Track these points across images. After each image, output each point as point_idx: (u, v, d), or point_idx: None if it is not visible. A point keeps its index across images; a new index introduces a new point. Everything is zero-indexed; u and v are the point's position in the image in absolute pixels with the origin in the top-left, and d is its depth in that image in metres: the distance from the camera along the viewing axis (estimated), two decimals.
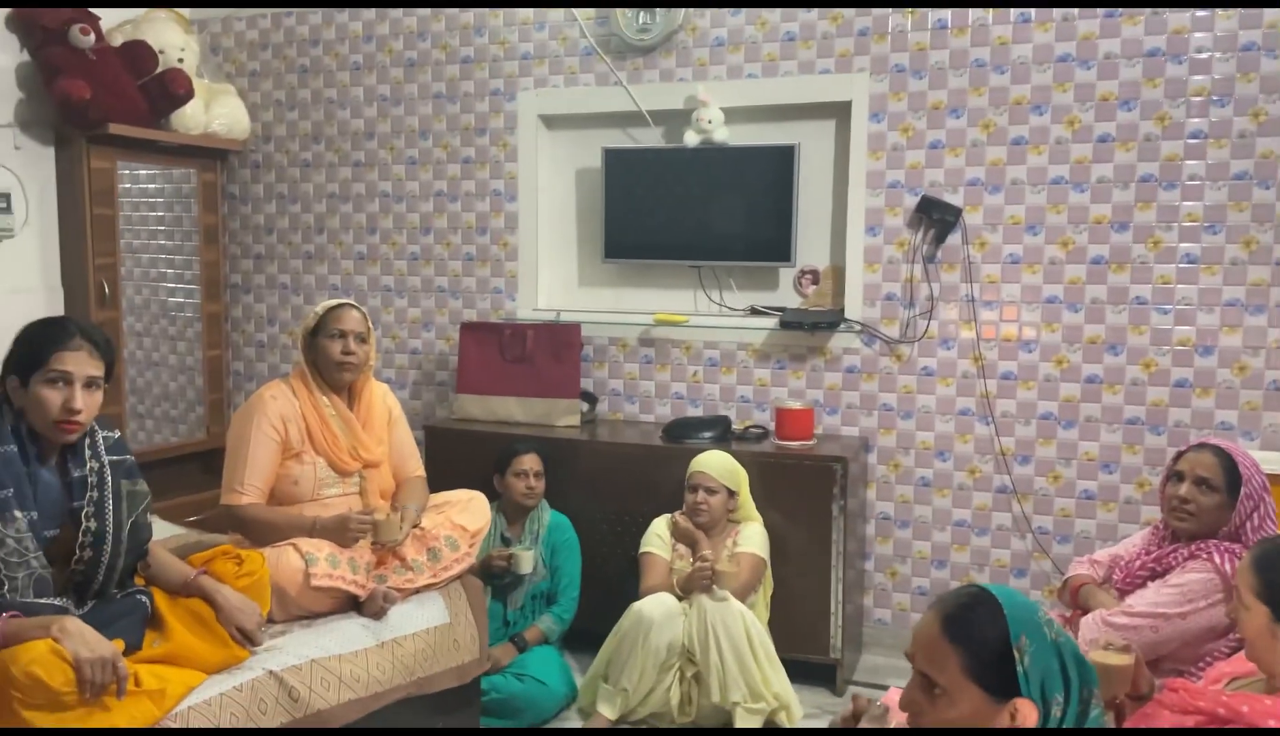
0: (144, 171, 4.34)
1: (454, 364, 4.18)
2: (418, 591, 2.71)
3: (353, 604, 2.59)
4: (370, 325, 2.86)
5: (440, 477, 3.45)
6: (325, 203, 4.42)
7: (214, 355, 4.48)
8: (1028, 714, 1.30)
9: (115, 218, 4.07)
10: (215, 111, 4.28)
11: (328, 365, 2.78)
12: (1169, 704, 1.69)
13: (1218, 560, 2.20)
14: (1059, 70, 3.37)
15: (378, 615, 2.57)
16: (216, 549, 2.44)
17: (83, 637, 1.89)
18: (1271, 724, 1.50)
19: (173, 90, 3.95)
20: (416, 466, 3.00)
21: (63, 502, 2.08)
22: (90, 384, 2.06)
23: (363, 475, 2.80)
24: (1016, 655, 1.32)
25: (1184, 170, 3.27)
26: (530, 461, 3.40)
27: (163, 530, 2.92)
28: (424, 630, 2.65)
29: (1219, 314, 3.27)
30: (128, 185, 4.31)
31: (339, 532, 2.59)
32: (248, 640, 2.25)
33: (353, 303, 2.86)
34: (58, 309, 3.99)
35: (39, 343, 2.04)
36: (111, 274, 4.05)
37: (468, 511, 2.89)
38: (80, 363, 2.04)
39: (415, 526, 2.75)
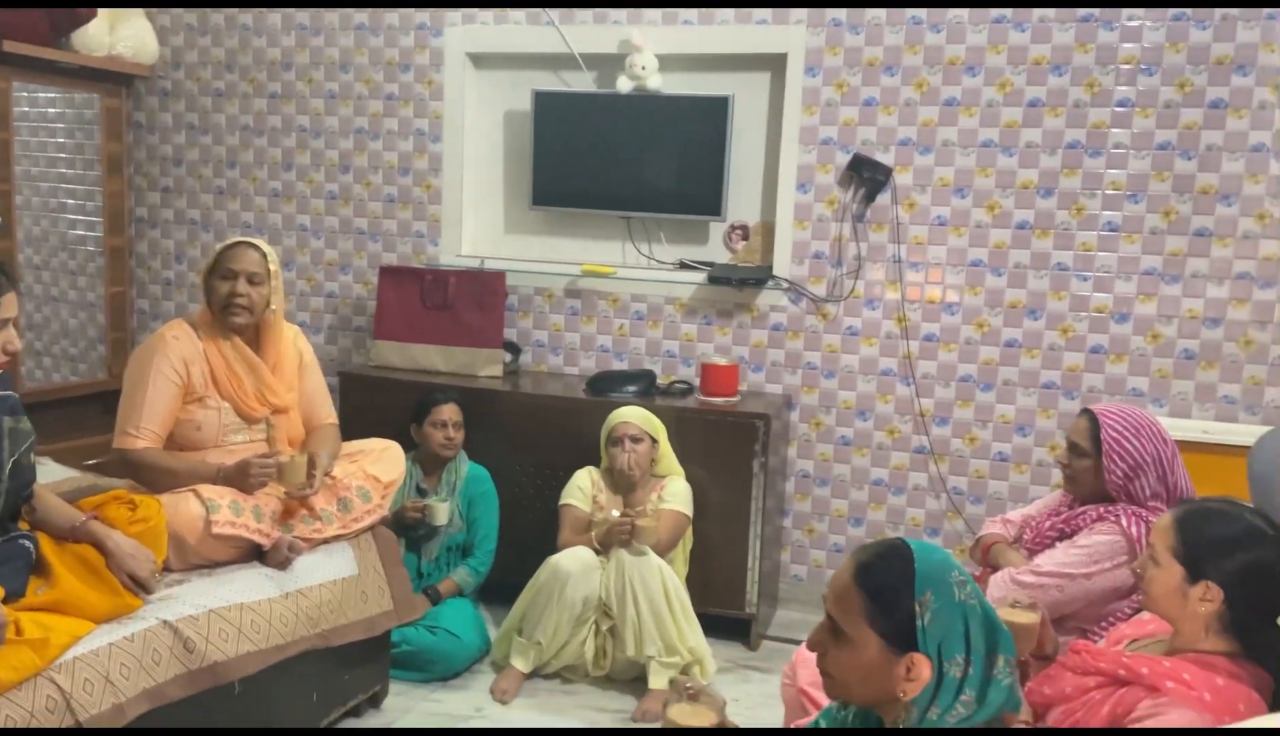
0: (43, 94, 4.09)
1: (372, 309, 4.05)
2: (326, 542, 2.62)
3: (256, 554, 2.50)
4: (273, 267, 2.66)
5: (355, 426, 3.35)
6: (238, 135, 4.21)
7: (117, 292, 4.27)
8: (922, 669, 1.31)
9: (10, 142, 3.83)
10: (121, 33, 4.04)
11: (219, 302, 2.63)
12: (1071, 665, 1.71)
13: (1125, 523, 2.25)
14: (993, 31, 3.35)
15: (282, 566, 2.48)
16: (109, 493, 2.32)
17: None
18: (1169, 685, 1.53)
19: (75, 8, 3.70)
20: (329, 414, 2.89)
21: None
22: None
23: (270, 422, 2.68)
24: (918, 610, 1.32)
25: (1110, 138, 3.30)
26: (449, 412, 3.32)
27: (57, 473, 2.78)
28: (330, 581, 2.57)
29: (1136, 282, 3.33)
30: (26, 108, 4.05)
31: (240, 478, 2.48)
32: (140, 588, 2.15)
33: (253, 241, 2.67)
34: None
35: None
36: (6, 202, 3.82)
37: (381, 461, 2.80)
38: (11, 304, 1.93)
39: (327, 475, 2.65)
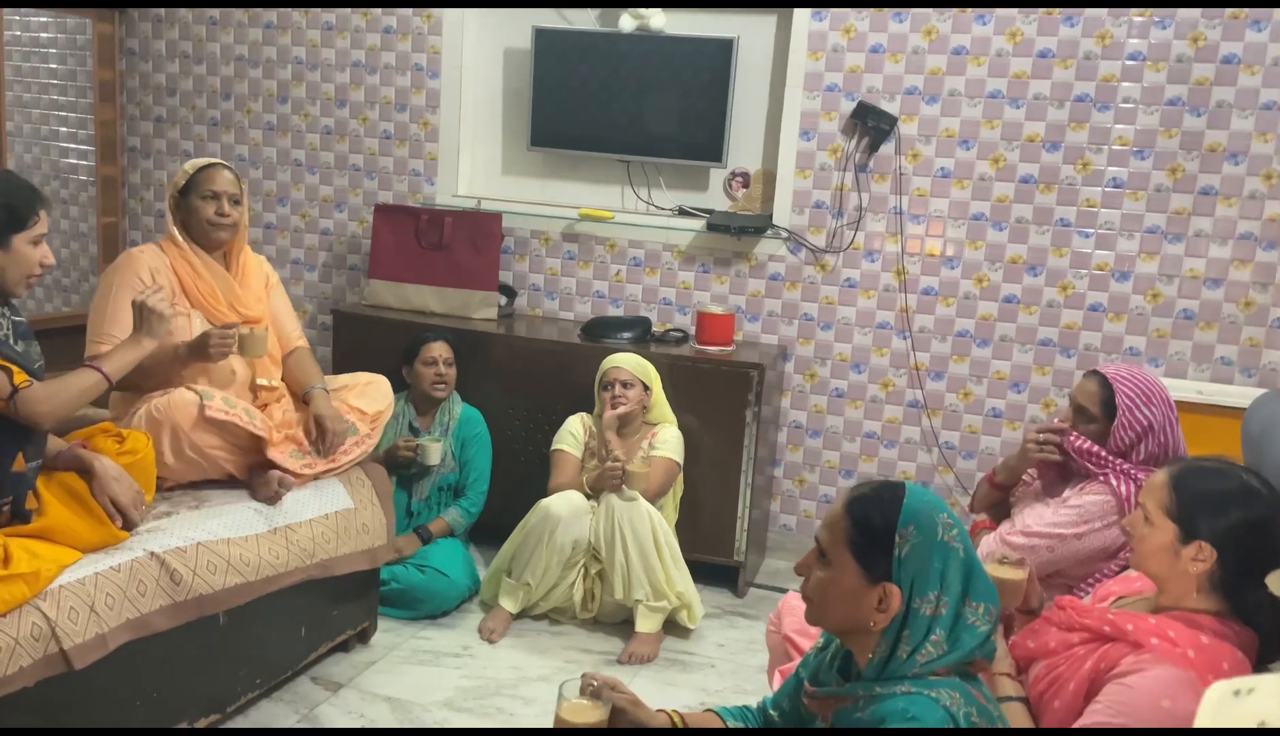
0: (35, 18, 4.00)
1: (366, 247, 4.00)
2: (316, 478, 2.62)
3: (245, 485, 2.50)
4: (243, 188, 2.68)
5: (348, 365, 3.33)
6: (233, 65, 4.13)
7: (109, 222, 4.22)
8: (892, 600, 1.34)
9: (1, 67, 3.75)
10: None
11: (200, 226, 2.61)
12: (1056, 621, 1.71)
13: (1114, 482, 2.24)
14: None
15: (271, 500, 2.48)
16: (96, 426, 2.31)
17: None
18: (1154, 642, 1.53)
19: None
20: (299, 337, 2.87)
21: None
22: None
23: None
24: (897, 540, 1.34)
25: (1119, 92, 3.24)
26: (440, 349, 3.30)
27: None
28: (322, 516, 2.57)
29: (1139, 240, 3.29)
30: (17, 32, 3.97)
31: (200, 350, 2.47)
32: (124, 518, 2.14)
33: (223, 163, 2.67)
34: None
35: (20, 202, 2.06)
36: None
37: (366, 394, 2.80)
38: (46, 220, 2.12)
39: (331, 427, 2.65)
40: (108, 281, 2.58)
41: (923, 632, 1.33)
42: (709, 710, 1.63)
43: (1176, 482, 1.63)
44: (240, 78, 4.13)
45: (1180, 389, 3.06)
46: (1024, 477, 2.47)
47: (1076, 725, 1.55)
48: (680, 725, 1.55)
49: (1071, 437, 2.30)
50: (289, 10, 4.00)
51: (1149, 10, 3.16)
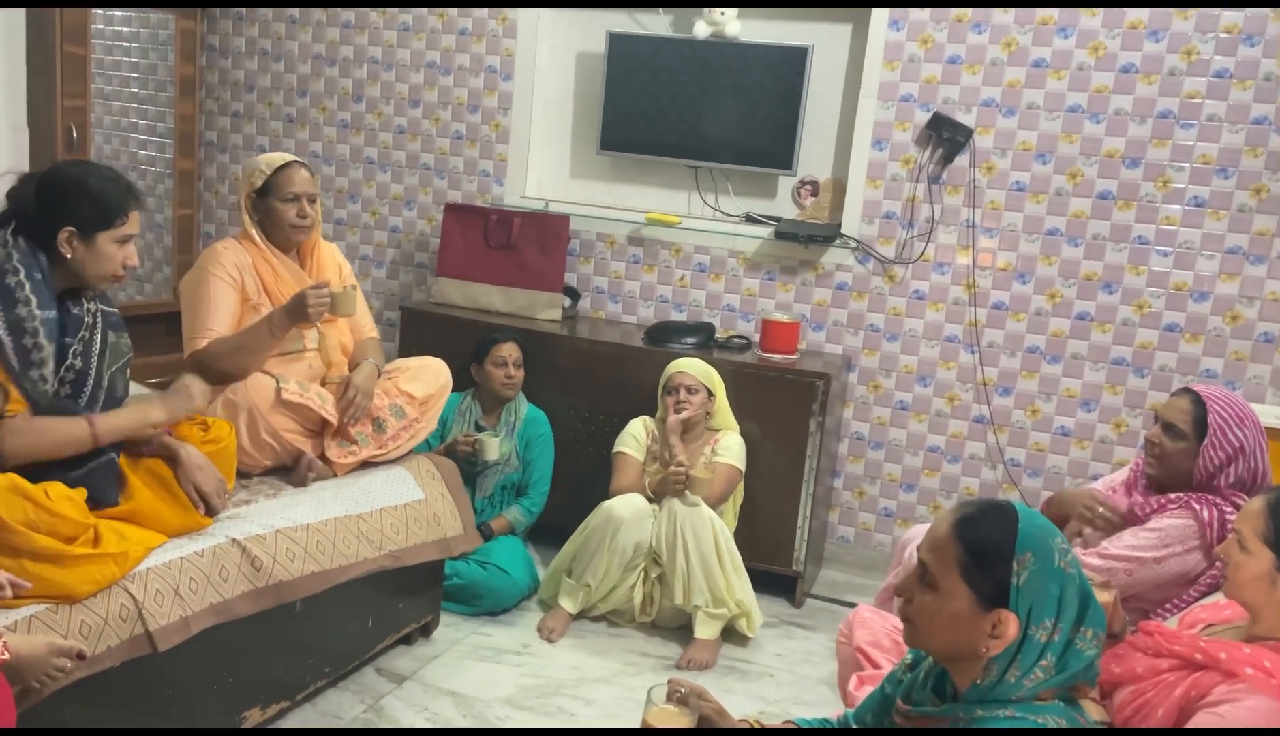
0: (119, 12, 4.11)
1: (435, 246, 4.05)
2: (364, 465, 2.67)
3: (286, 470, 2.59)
4: (317, 183, 2.75)
5: None
6: (310, 64, 4.21)
7: (184, 214, 4.32)
8: (1009, 627, 1.30)
9: (87, 58, 3.85)
10: None
11: (279, 227, 2.66)
12: (1142, 645, 1.69)
13: (1197, 507, 2.20)
14: None
15: (301, 483, 2.53)
16: None
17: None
18: (1248, 671, 1.50)
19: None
20: (371, 327, 2.92)
21: (56, 336, 2.01)
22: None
23: (321, 330, 2.71)
24: (1015, 567, 1.30)
25: (1203, 110, 3.18)
26: (510, 350, 3.32)
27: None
28: (394, 506, 2.61)
29: (1219, 260, 3.23)
30: (101, 26, 4.08)
31: (299, 311, 2.53)
32: (206, 505, 2.19)
33: (299, 159, 2.71)
34: (21, 151, 3.80)
35: (110, 200, 2.04)
36: (80, 118, 3.85)
37: (419, 378, 2.81)
38: (138, 222, 2.10)
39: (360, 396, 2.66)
40: (195, 281, 2.62)
41: (1034, 658, 1.30)
42: (788, 721, 1.63)
43: (1275, 510, 1.60)
44: (317, 76, 4.20)
45: (1260, 414, 2.99)
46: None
47: None
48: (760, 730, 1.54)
49: (1136, 509, 2.27)
50: (367, 10, 4.07)
51: (1236, 27, 3.10)
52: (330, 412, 2.57)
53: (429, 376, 2.84)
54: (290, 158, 2.70)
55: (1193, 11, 3.14)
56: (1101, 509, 2.30)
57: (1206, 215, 3.22)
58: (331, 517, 2.43)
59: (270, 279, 2.65)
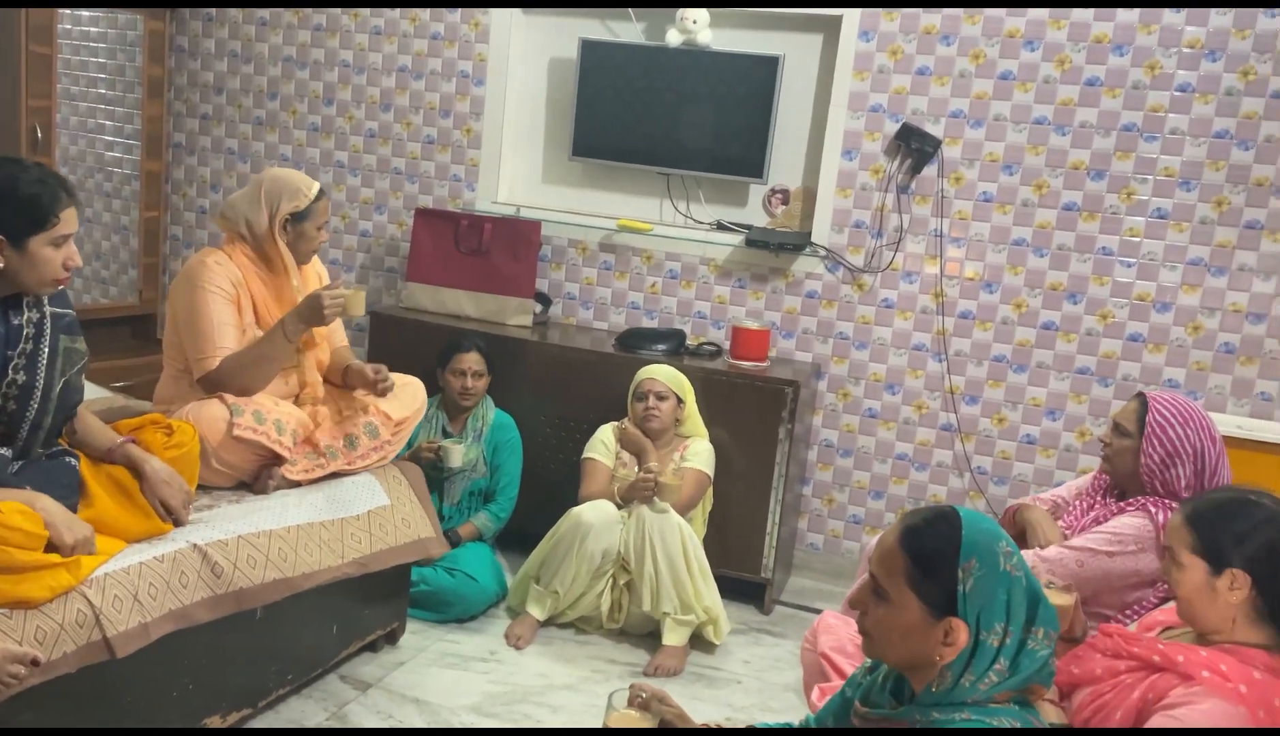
0: (86, 13, 4.06)
1: (405, 251, 4.03)
2: (328, 477, 2.62)
3: (246, 483, 2.53)
4: None
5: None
6: (280, 66, 4.18)
7: (151, 216, 4.27)
8: (960, 635, 1.31)
9: (53, 58, 3.81)
10: None
11: (305, 251, 2.66)
12: (1101, 647, 1.70)
13: (1153, 510, 2.23)
14: (1056, 7, 3.28)
15: (263, 492, 2.49)
16: (146, 417, 2.32)
17: (65, 519, 1.91)
18: (1204, 674, 1.52)
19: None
20: (343, 337, 2.90)
21: None
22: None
23: (301, 349, 2.68)
24: (961, 575, 1.31)
25: (1166, 123, 3.23)
26: (470, 361, 3.30)
27: (89, 392, 2.77)
28: (359, 514, 2.58)
29: (1181, 272, 3.28)
30: (68, 26, 4.03)
31: (313, 313, 2.52)
32: (171, 516, 2.16)
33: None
34: None
35: (40, 202, 1.92)
36: (45, 118, 3.81)
37: (397, 398, 2.77)
38: (74, 219, 1.98)
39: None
40: (190, 297, 2.53)
41: (988, 663, 1.31)
42: (751, 726, 1.63)
43: (1192, 518, 1.63)
44: (287, 78, 4.17)
45: (1220, 423, 3.02)
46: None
47: None
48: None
49: (1098, 514, 2.31)
50: (338, 13, 4.05)
51: (1199, 42, 3.16)
52: (285, 445, 2.49)
53: (408, 397, 2.82)
54: (318, 184, 2.67)
55: (1156, 26, 3.19)
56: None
57: (1169, 227, 3.27)
58: (295, 525, 2.40)
59: (260, 294, 2.61)
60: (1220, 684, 1.50)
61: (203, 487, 2.43)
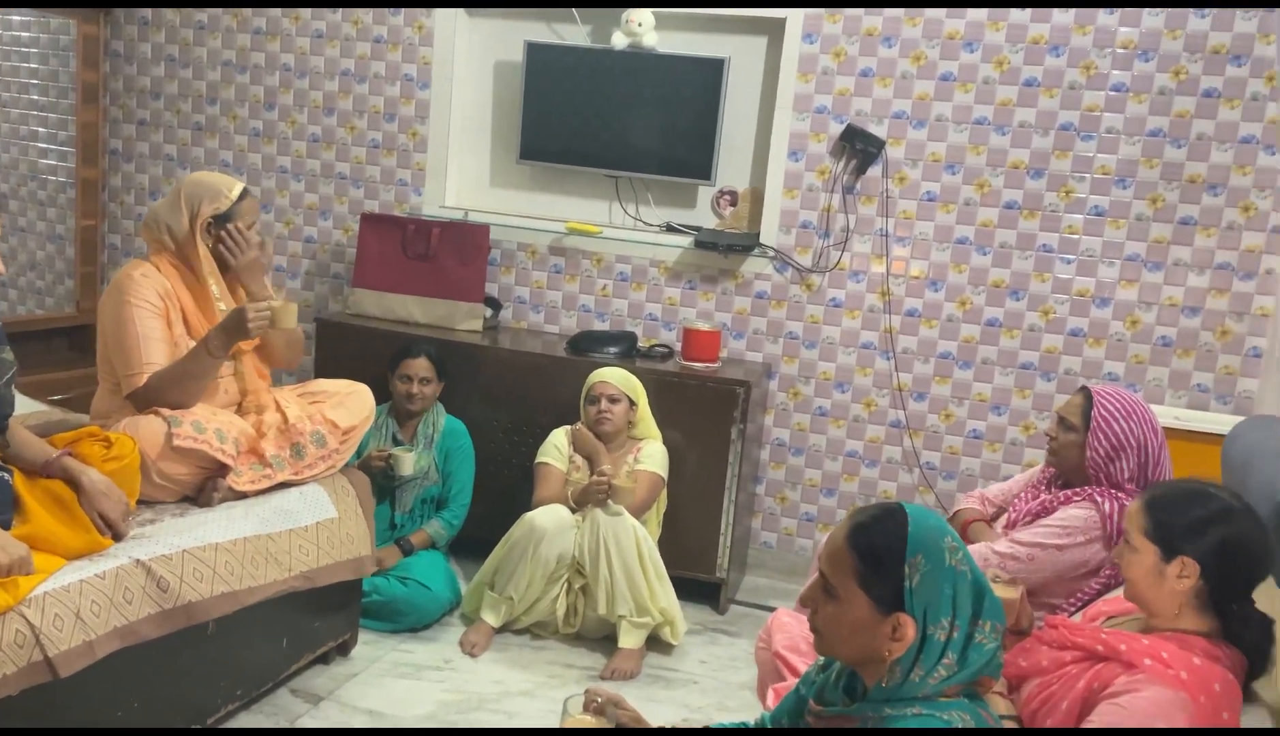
0: (17, 17, 3.95)
1: (351, 256, 3.98)
2: (276, 488, 2.57)
3: (194, 494, 2.47)
4: None
5: (330, 374, 3.29)
6: (220, 70, 4.10)
7: (88, 225, 4.17)
8: (907, 630, 1.33)
9: None
10: None
11: (242, 256, 2.56)
12: (1047, 639, 1.73)
13: (1099, 500, 2.28)
14: (994, 8, 3.33)
15: (207, 505, 2.43)
16: (83, 430, 2.27)
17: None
18: (1147, 662, 1.55)
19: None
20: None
21: None
22: None
23: (236, 358, 2.63)
24: (907, 571, 1.33)
25: (1102, 122, 3.30)
26: (418, 367, 3.27)
27: (25, 406, 2.71)
28: (305, 526, 2.54)
29: (1119, 268, 3.35)
30: None
31: (238, 328, 2.44)
32: (111, 530, 2.11)
33: (246, 186, 2.63)
34: None
35: None
36: None
37: (345, 405, 2.72)
38: None
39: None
40: (118, 307, 2.46)
41: (936, 657, 1.33)
42: (706, 727, 1.63)
43: (1151, 505, 1.67)
44: (227, 83, 4.10)
45: (1158, 415, 3.10)
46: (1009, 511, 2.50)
47: None
48: None
49: (1045, 505, 2.35)
50: (278, 16, 3.99)
51: (1132, 43, 3.23)
52: (227, 452, 2.44)
53: (355, 404, 2.76)
54: (240, 184, 2.60)
55: (1091, 27, 3.26)
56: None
57: (1106, 224, 3.34)
58: (241, 537, 2.36)
59: (190, 305, 2.55)
60: (1162, 671, 1.53)
61: (145, 502, 2.37)
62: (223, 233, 2.53)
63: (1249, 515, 1.64)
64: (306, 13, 3.95)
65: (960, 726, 1.28)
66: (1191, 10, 3.18)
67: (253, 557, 2.37)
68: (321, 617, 2.70)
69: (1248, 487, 2.06)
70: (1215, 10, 3.16)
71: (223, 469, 2.46)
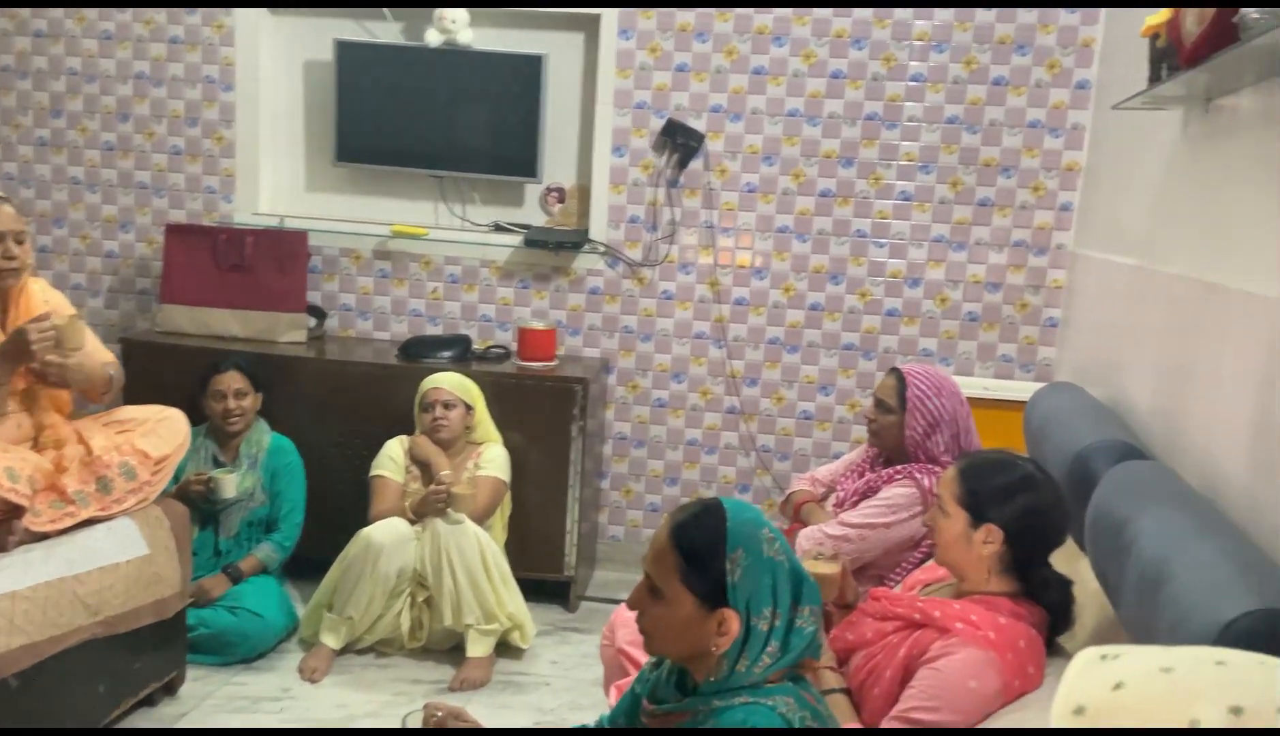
0: None
1: (158, 270, 3.75)
2: (82, 525, 2.38)
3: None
4: (25, 220, 2.43)
5: (140, 398, 3.08)
6: None
7: None
8: (732, 624, 1.35)
9: None
10: None
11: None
12: (871, 611, 1.81)
13: (918, 476, 2.40)
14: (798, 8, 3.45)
15: (1, 550, 2.23)
16: None
17: None
18: (958, 626, 1.64)
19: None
20: (105, 351, 2.63)
21: None
22: None
23: (27, 388, 2.42)
24: (728, 567, 1.36)
25: (904, 111, 3.47)
26: (229, 381, 3.11)
27: None
28: (115, 564, 2.37)
29: (927, 249, 3.54)
30: None
31: (20, 351, 2.25)
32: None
33: (2, 194, 2.41)
34: None
35: None
36: None
37: (156, 433, 2.55)
38: None
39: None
40: None
41: (760, 647, 1.36)
42: (541, 726, 1.62)
43: (964, 474, 1.77)
44: (6, 90, 3.77)
45: (969, 386, 3.28)
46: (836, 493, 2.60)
47: (893, 711, 1.65)
48: None
49: (870, 484, 2.45)
50: (60, 18, 3.70)
51: (927, 35, 3.41)
52: (22, 495, 2.24)
53: (167, 432, 2.58)
54: None
55: (889, 21, 3.42)
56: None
57: (913, 208, 3.52)
58: (43, 581, 2.18)
59: None
60: (973, 633, 1.62)
61: None
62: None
63: (1049, 485, 1.75)
64: (92, 13, 3.68)
65: (784, 710, 1.32)
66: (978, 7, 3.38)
67: (56, 603, 2.19)
68: (141, 657, 2.53)
69: (1045, 450, 2.21)
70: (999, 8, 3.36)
71: (17, 510, 2.26)
